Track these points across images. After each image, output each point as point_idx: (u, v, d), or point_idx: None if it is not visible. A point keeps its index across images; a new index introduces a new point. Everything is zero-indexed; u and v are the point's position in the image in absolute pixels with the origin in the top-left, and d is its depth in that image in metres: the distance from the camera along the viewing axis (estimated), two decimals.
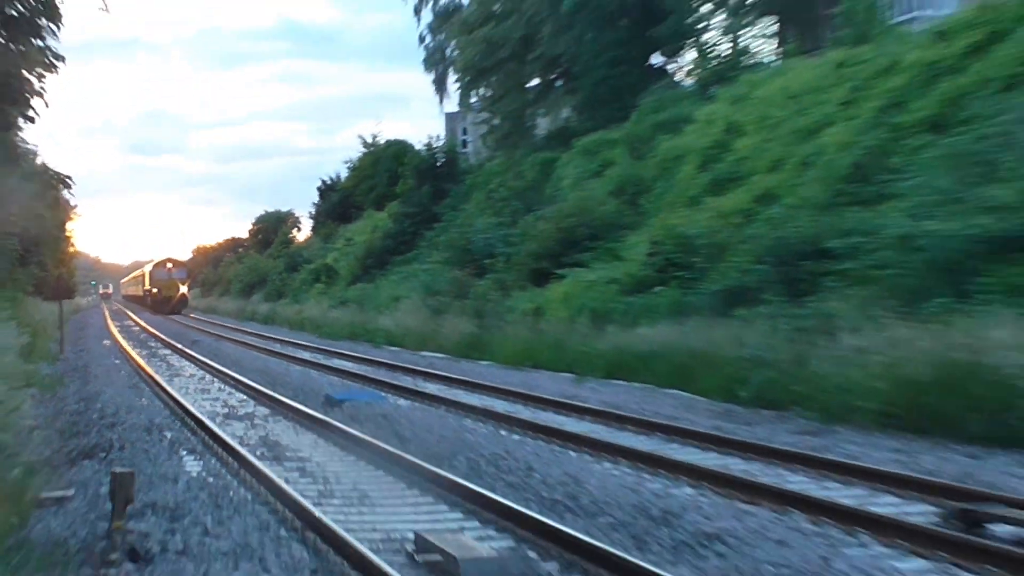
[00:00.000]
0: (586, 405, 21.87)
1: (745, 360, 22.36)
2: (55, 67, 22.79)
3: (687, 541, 10.93)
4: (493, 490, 13.17)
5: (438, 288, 45.29)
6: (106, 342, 50.39)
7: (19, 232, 38.14)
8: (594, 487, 13.74)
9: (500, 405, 22.87)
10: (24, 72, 22.28)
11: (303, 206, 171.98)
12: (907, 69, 31.12)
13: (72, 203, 59.09)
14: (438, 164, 67.51)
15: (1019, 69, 26.29)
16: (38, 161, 39.77)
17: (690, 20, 54.93)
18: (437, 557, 10.12)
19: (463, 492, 13.12)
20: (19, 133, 29.49)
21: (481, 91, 68.19)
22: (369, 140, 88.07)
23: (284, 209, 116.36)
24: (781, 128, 34.72)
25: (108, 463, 15.72)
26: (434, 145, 69.79)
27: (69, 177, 45.21)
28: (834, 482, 14.04)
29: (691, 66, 55.79)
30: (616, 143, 48.48)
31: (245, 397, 26.15)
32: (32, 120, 24.80)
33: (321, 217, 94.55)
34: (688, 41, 56.08)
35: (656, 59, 58.58)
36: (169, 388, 26.59)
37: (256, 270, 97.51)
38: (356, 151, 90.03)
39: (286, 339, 50.95)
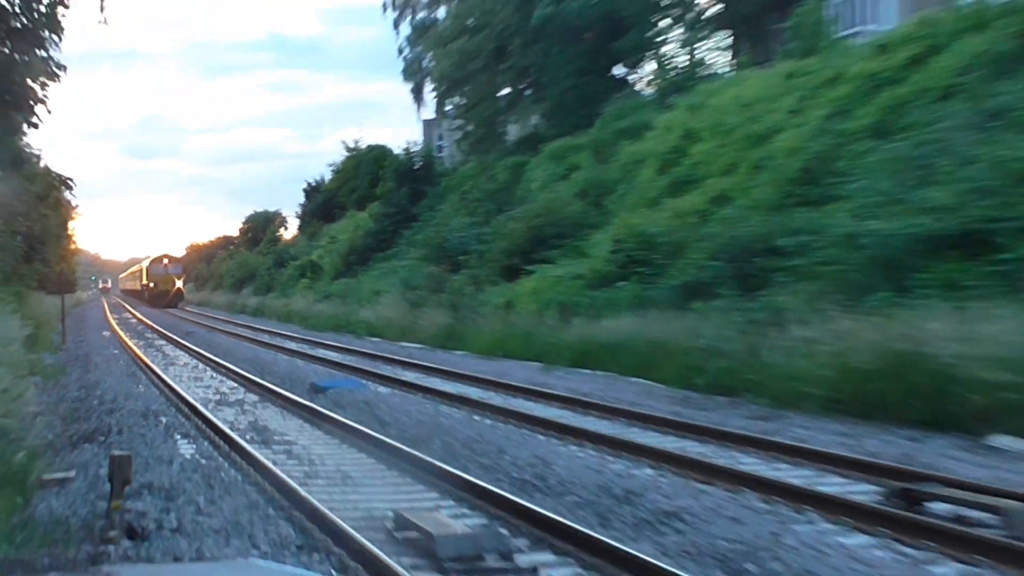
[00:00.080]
0: (554, 392, 21.85)
1: (701, 350, 22.40)
2: (57, 76, 22.62)
3: (647, 518, 10.93)
4: (467, 471, 13.14)
5: (416, 283, 45.23)
6: (105, 333, 50.15)
7: (24, 231, 37.99)
8: (561, 468, 13.73)
9: (474, 392, 22.83)
10: (28, 80, 22.12)
11: (290, 206, 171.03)
12: (851, 80, 31.23)
13: (73, 203, 58.70)
14: (416, 167, 67.36)
15: (955, 80, 26.42)
16: (41, 164, 39.50)
17: (650, 34, 55.15)
18: (415, 534, 10.09)
19: (439, 473, 13.09)
20: (23, 138, 29.29)
21: (456, 99, 68.29)
22: (351, 145, 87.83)
23: (272, 209, 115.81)
24: (734, 134, 34.76)
25: (107, 446, 15.63)
26: (412, 150, 69.75)
27: (71, 179, 44.98)
28: (784, 463, 14.05)
29: (651, 77, 55.98)
30: (581, 148, 48.52)
31: (236, 385, 26.04)
32: (36, 126, 24.61)
33: (307, 217, 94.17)
34: (648, 53, 56.26)
35: (618, 70, 58.64)
36: (164, 376, 26.47)
37: (246, 266, 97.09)
38: (339, 155, 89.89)
39: (274, 330, 50.77)
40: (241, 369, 28.07)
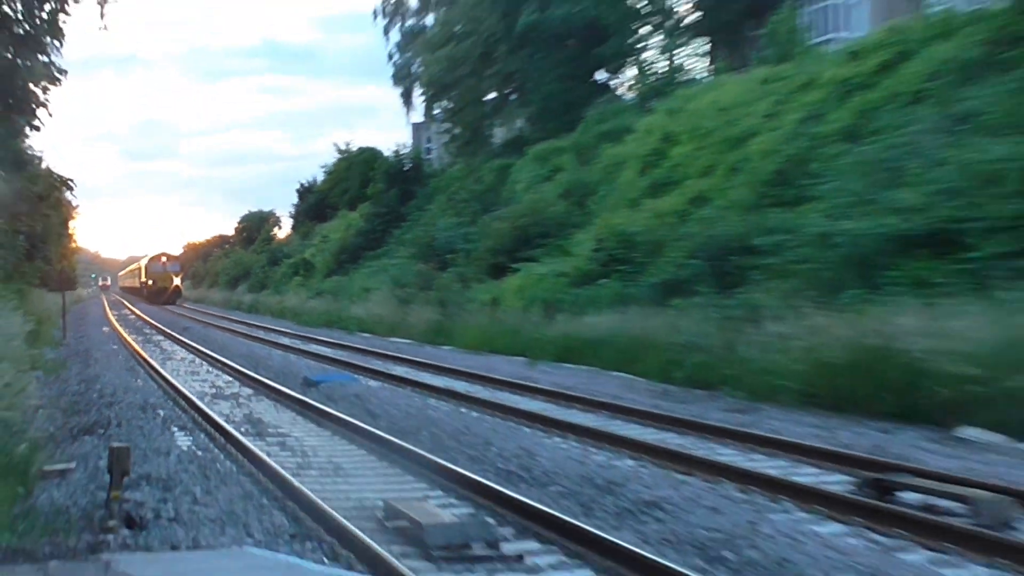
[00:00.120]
0: (538, 386, 21.81)
1: (680, 345, 22.40)
2: (59, 80, 22.48)
3: (629, 508, 10.91)
4: (455, 462, 13.10)
5: (405, 281, 45.18)
6: (105, 329, 49.99)
7: (26, 230, 37.86)
8: (545, 459, 13.71)
9: (461, 386, 22.80)
10: (30, 84, 21.97)
11: (283, 207, 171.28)
12: (824, 85, 31.29)
13: (74, 204, 58.31)
14: (405, 169, 67.30)
15: (923, 85, 26.50)
16: (43, 166, 39.27)
17: (631, 40, 55.31)
18: (404, 523, 10.06)
19: (428, 464, 13.05)
20: (26, 140, 29.14)
21: (444, 104, 68.37)
22: (343, 147, 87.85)
23: (266, 209, 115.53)
24: (712, 137, 34.79)
25: (106, 438, 15.56)
26: (401, 152, 69.74)
27: (71, 180, 44.67)
28: (760, 455, 14.06)
29: (631, 82, 56.20)
30: (565, 151, 48.56)
31: (231, 379, 25.96)
32: (38, 129, 24.44)
33: (300, 216, 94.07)
34: (629, 59, 56.45)
35: (600, 75, 58.79)
36: (162, 370, 26.38)
37: (241, 264, 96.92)
38: (331, 157, 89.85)
39: (268, 326, 50.65)
40: (236, 364, 27.99)
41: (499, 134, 66.26)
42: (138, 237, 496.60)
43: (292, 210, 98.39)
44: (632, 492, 11.57)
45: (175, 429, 17.21)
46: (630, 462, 13.74)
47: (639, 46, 56.03)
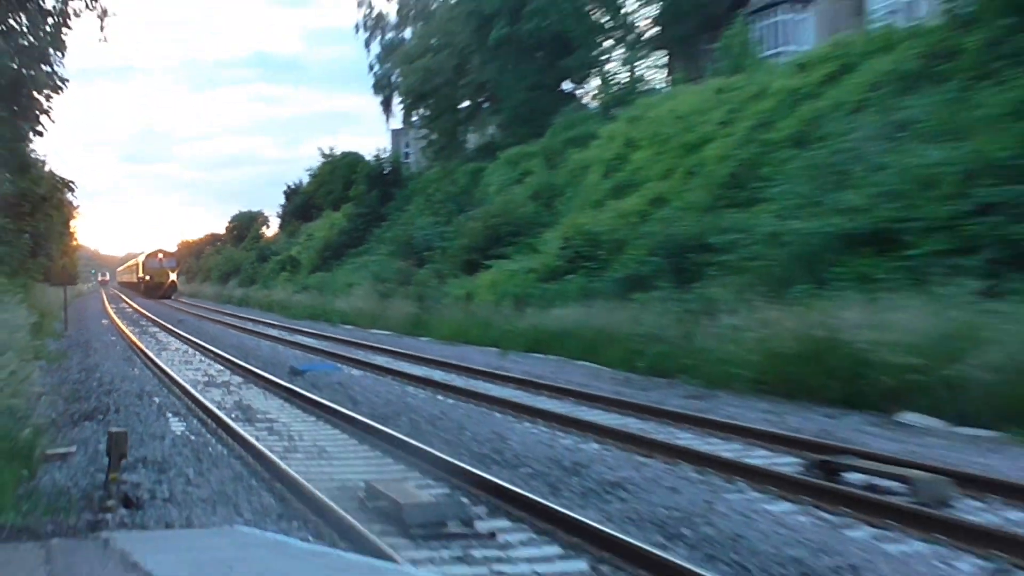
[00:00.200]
0: (509, 374, 21.78)
1: (641, 337, 22.41)
2: (61, 89, 22.33)
3: (594, 488, 10.90)
4: (431, 445, 13.04)
5: (385, 276, 45.12)
6: (104, 322, 49.66)
7: (30, 229, 37.61)
8: (516, 443, 13.68)
9: (437, 374, 22.75)
10: (34, 93, 21.82)
11: (272, 207, 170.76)
12: (774, 94, 31.38)
13: (75, 204, 57.92)
14: (385, 172, 67.23)
15: (866, 95, 26.62)
16: (46, 169, 38.97)
17: (595, 53, 55.44)
18: (384, 503, 10.01)
19: (406, 447, 13.00)
20: (30, 145, 28.91)
21: (421, 111, 68.34)
22: (327, 152, 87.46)
23: (256, 209, 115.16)
24: (670, 143, 34.85)
25: (105, 424, 15.44)
26: (382, 156, 69.86)
27: (72, 182, 44.33)
28: (716, 438, 14.05)
29: (596, 91, 56.28)
30: (534, 155, 48.60)
31: (222, 368, 25.81)
32: (41, 134, 24.30)
33: (286, 216, 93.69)
34: (593, 70, 56.54)
35: (567, 85, 58.91)
36: (158, 360, 26.21)
37: (232, 261, 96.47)
38: (316, 161, 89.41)
39: (257, 319, 50.43)
40: (227, 354, 27.84)
41: (473, 139, 66.28)
42: (135, 235, 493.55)
43: (279, 210, 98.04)
44: (597, 473, 11.56)
45: (170, 415, 17.09)
46: (595, 445, 13.72)
47: (603, 58, 56.17)
